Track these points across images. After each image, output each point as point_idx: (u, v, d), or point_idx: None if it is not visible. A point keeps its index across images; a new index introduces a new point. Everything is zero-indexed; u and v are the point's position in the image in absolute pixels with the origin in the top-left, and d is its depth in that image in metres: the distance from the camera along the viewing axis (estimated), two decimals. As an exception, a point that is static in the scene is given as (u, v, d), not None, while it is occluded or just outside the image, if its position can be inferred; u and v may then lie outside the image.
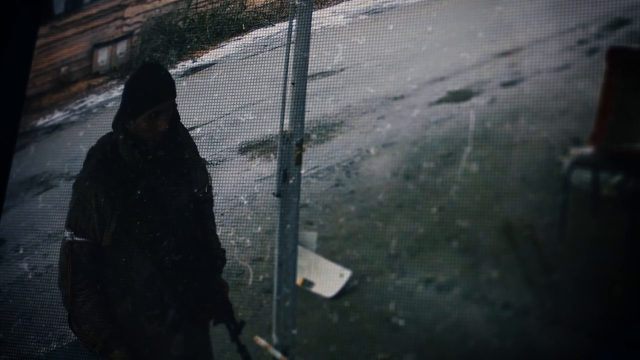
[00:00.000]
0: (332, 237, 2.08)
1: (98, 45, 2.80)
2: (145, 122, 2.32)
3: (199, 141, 2.37)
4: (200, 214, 2.33)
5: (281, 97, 2.21)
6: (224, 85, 2.33)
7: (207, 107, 2.38)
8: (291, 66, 2.22)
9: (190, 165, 2.36)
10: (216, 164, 2.34)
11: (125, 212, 2.33)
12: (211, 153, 2.35)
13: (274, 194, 2.17)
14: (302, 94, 2.19)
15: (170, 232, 2.31)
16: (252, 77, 2.33)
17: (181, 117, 2.39)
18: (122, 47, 2.74)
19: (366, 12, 2.25)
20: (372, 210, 2.02)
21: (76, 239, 2.31)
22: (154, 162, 2.34)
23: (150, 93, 2.40)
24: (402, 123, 2.07)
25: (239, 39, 2.49)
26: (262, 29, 2.46)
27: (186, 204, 2.33)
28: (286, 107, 2.20)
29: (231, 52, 2.48)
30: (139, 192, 2.34)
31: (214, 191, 2.32)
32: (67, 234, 2.34)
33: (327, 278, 2.05)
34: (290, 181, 2.15)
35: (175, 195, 2.33)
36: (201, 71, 2.51)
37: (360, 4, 2.26)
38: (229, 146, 2.35)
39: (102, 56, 2.78)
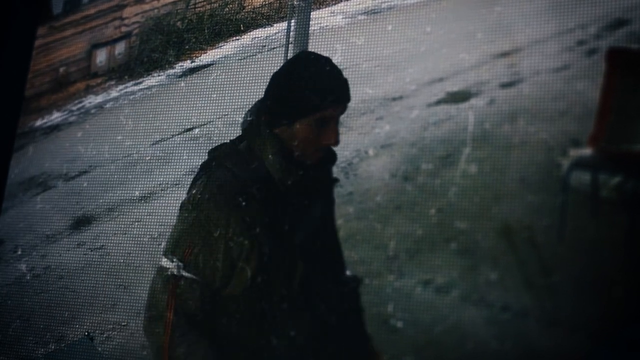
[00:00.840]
0: (331, 238, 2.07)
1: (96, 46, 2.79)
2: (308, 129, 1.78)
3: (198, 142, 2.36)
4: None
5: (280, 98, 2.20)
6: (222, 86, 2.33)
7: (205, 108, 2.37)
8: (290, 67, 2.21)
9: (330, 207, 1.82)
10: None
11: (271, 252, 1.73)
12: (209, 154, 2.35)
13: (272, 195, 2.15)
14: (300, 95, 2.19)
15: (329, 291, 1.75)
16: (251, 78, 2.32)
17: (180, 118, 2.39)
18: (120, 48, 2.74)
19: (365, 13, 2.24)
20: (371, 212, 2.02)
21: (184, 273, 1.73)
22: (306, 185, 1.78)
23: (326, 90, 1.81)
24: (401, 124, 2.06)
25: (238, 40, 2.49)
26: (260, 30, 2.45)
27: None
28: (285, 107, 2.20)
29: (230, 53, 2.48)
30: (291, 224, 1.75)
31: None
32: (170, 264, 1.75)
33: (326, 279, 2.05)
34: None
35: (329, 239, 1.79)
36: (199, 72, 2.51)
37: (359, 4, 2.26)
38: (227, 147, 2.35)
39: (101, 56, 2.77)
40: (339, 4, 2.29)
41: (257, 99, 2.29)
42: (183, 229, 1.81)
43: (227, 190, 1.78)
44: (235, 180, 1.79)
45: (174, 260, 1.78)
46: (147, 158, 2.32)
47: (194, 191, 1.83)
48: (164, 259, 1.79)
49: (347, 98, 1.88)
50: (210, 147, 2.35)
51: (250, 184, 1.77)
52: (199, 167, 1.94)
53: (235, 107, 2.31)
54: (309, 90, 1.81)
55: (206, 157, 1.97)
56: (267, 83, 1.95)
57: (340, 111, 1.85)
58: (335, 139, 1.80)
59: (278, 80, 1.89)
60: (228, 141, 1.94)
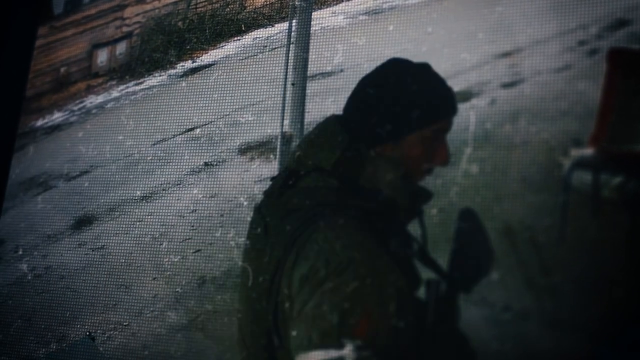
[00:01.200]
0: (332, 238, 2.07)
1: (97, 46, 2.79)
2: (421, 145, 1.56)
3: (199, 142, 2.36)
4: None
5: (281, 98, 2.21)
6: (223, 86, 2.33)
7: (206, 108, 2.38)
8: (291, 67, 2.21)
9: None
10: (216, 165, 2.34)
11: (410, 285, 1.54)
12: (211, 154, 2.35)
13: (273, 195, 2.14)
14: (302, 95, 2.19)
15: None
16: (252, 78, 2.32)
17: (181, 118, 2.39)
18: (121, 48, 2.74)
19: (366, 13, 2.24)
20: (372, 212, 2.02)
21: (365, 353, 1.38)
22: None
23: (440, 99, 1.61)
24: (402, 124, 2.06)
25: (239, 40, 2.49)
26: (261, 30, 2.45)
27: None
28: (286, 108, 2.20)
29: (231, 53, 2.48)
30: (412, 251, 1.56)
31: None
32: (340, 351, 1.37)
33: (327, 279, 2.04)
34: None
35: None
36: (201, 72, 2.51)
37: (360, 4, 2.26)
38: (228, 147, 2.35)
39: (102, 57, 2.77)
40: (341, 4, 2.29)
41: (257, 99, 2.30)
42: (340, 302, 1.41)
43: (369, 232, 1.49)
44: (373, 220, 1.52)
45: (346, 342, 1.40)
46: (149, 158, 2.32)
47: (313, 252, 1.47)
48: (319, 353, 1.39)
49: (456, 108, 1.68)
50: (212, 147, 2.35)
51: (387, 218, 1.53)
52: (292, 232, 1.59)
53: (237, 107, 2.31)
54: (424, 100, 1.57)
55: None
56: (347, 99, 1.72)
57: (451, 123, 1.64)
58: (448, 155, 1.60)
59: (377, 93, 1.62)
60: (266, 191, 1.66)
